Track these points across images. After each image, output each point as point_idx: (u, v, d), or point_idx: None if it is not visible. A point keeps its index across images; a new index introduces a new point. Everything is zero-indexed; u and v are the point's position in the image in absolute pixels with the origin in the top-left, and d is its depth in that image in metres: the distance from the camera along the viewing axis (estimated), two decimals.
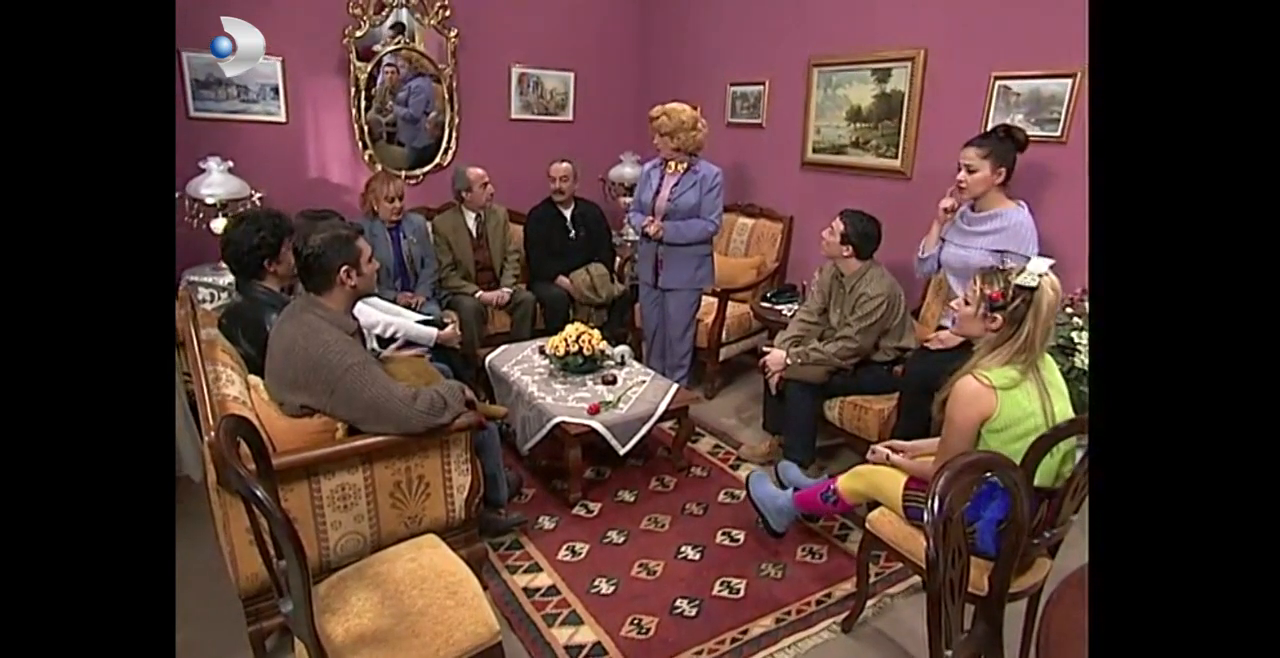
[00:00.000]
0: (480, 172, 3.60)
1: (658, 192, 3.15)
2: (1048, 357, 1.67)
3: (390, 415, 1.72)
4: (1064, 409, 1.61)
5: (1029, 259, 2.19)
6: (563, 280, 3.77)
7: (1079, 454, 1.56)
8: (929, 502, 1.17)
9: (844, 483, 2.01)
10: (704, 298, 3.38)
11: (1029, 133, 2.43)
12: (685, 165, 3.10)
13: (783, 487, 2.37)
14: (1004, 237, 2.28)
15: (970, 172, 2.32)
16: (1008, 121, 2.67)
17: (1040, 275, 1.56)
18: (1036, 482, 1.53)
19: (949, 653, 1.26)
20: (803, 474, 2.46)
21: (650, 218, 3.15)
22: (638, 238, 3.29)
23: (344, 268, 1.78)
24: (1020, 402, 1.55)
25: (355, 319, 1.90)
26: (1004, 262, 2.14)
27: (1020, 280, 1.57)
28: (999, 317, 1.59)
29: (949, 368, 1.68)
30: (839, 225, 2.59)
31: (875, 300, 2.54)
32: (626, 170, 4.39)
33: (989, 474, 1.33)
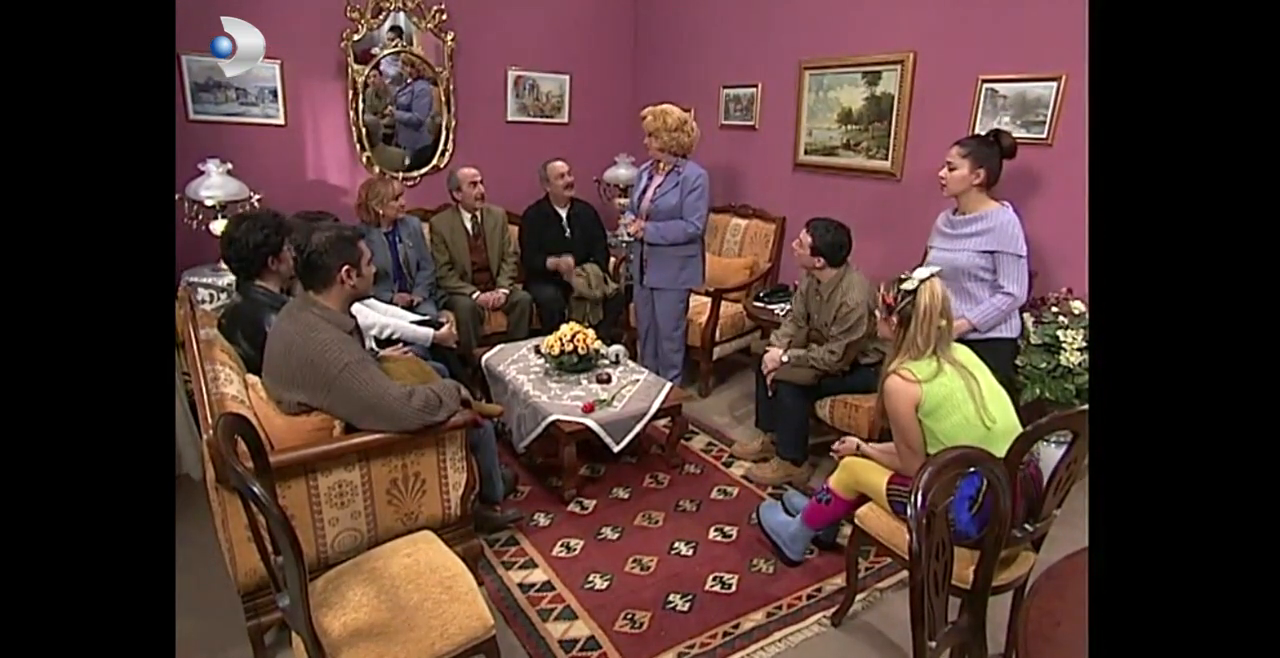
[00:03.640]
0: (470, 171, 3.62)
1: (644, 192, 3.19)
2: (957, 345, 1.83)
3: (386, 413, 1.74)
4: (990, 383, 1.77)
5: (1021, 257, 2.25)
6: (552, 260, 3.72)
7: (1051, 449, 1.60)
8: (911, 496, 1.20)
9: (834, 478, 2.04)
10: (698, 297, 3.41)
11: (1016, 135, 2.45)
12: (671, 166, 3.13)
13: (791, 514, 2.31)
14: (992, 237, 2.30)
15: (950, 169, 2.34)
16: (995, 124, 2.71)
17: (921, 280, 1.71)
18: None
19: (932, 644, 1.30)
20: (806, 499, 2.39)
21: (634, 217, 3.20)
22: (628, 238, 3.32)
23: (345, 268, 1.80)
24: (944, 383, 1.70)
25: (353, 317, 1.92)
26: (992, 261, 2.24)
27: (904, 285, 1.73)
28: (894, 318, 1.76)
29: None
30: (806, 238, 2.56)
31: (855, 311, 2.50)
32: (621, 172, 4.41)
33: (971, 469, 1.37)
